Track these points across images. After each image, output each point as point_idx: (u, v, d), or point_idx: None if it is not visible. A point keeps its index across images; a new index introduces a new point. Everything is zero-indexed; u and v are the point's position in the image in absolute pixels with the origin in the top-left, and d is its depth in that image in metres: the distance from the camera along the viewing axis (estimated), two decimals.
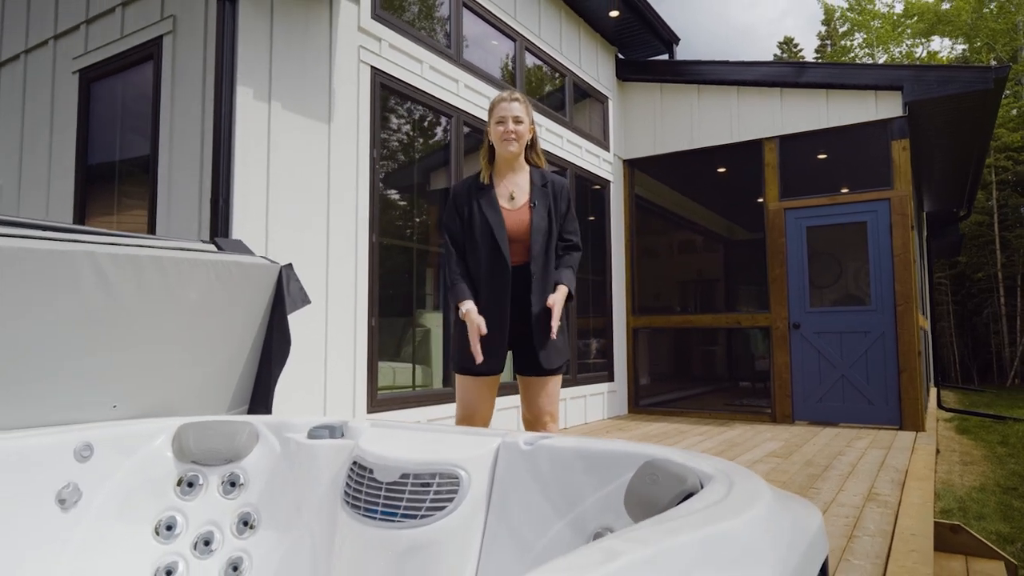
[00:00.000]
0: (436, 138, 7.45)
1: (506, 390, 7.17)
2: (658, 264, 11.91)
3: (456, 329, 3.93)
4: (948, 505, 6.52)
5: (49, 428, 2.65)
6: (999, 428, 12.48)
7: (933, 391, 14.93)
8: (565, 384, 8.91)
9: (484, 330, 3.71)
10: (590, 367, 10.02)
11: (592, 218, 10.39)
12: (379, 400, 6.12)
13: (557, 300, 3.85)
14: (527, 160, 4.05)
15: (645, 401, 11.09)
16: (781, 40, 49.91)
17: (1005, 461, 9.07)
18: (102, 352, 2.85)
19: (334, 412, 5.66)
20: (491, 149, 3.98)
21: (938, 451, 9.13)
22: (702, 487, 1.79)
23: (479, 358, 3.69)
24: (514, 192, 3.94)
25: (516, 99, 3.90)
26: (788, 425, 9.33)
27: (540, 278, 3.91)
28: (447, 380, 7.05)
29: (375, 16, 6.46)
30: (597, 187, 10.55)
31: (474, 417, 3.97)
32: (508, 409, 7.72)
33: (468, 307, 3.77)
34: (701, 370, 11.56)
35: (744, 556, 1.33)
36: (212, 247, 3.39)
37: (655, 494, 1.93)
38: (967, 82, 8.89)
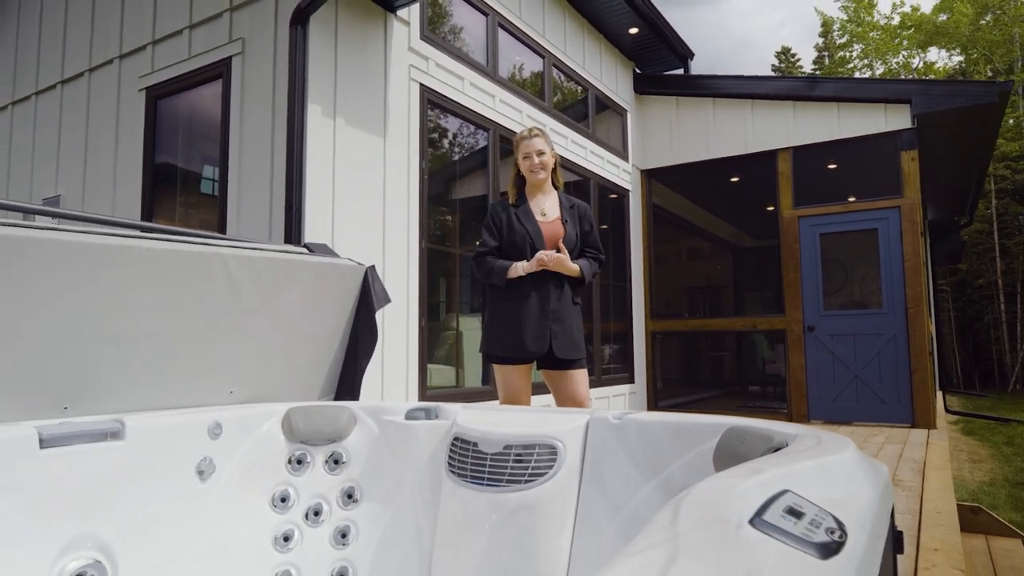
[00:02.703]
0: (475, 149, 7.82)
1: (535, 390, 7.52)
2: (675, 270, 12.23)
3: (492, 321, 4.40)
4: (962, 497, 6.82)
5: (187, 409, 3.00)
6: (1003, 430, 12.76)
7: (939, 394, 15.22)
8: (590, 384, 9.24)
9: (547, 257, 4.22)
10: (612, 369, 10.37)
11: (606, 226, 10.70)
12: (429, 396, 6.47)
13: (564, 255, 4.30)
14: (552, 183, 4.55)
15: (664, 402, 11.40)
16: (778, 50, 50.12)
17: (1012, 459, 9.37)
18: (223, 343, 3.20)
19: None
20: (519, 176, 4.50)
21: None
22: (787, 445, 2.12)
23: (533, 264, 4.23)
24: (545, 209, 4.46)
25: (536, 135, 4.43)
26: (804, 424, 9.62)
27: (567, 282, 4.38)
28: (486, 379, 7.39)
29: (423, 37, 6.86)
30: (616, 196, 10.89)
31: (518, 403, 4.37)
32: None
33: (519, 263, 4.29)
34: (715, 373, 11.87)
35: (848, 480, 1.68)
36: (304, 250, 3.73)
37: (744, 451, 2.23)
38: (973, 95, 9.24)
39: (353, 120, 5.89)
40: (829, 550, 1.13)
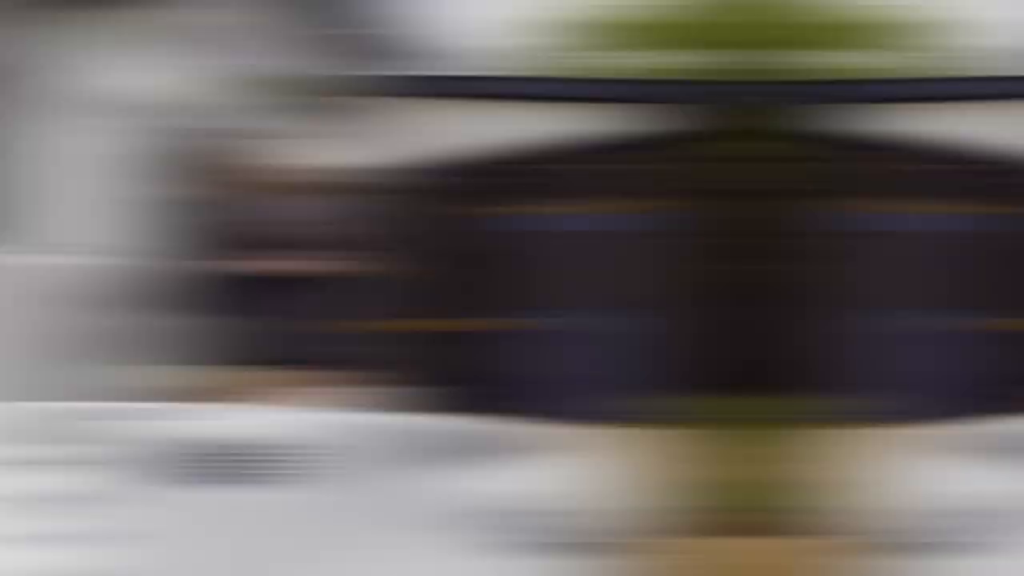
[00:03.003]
0: None
1: None
2: None
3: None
4: (666, 498, 7.07)
5: None
6: (719, 434, 13.23)
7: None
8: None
9: None
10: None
11: None
12: (157, 397, 6.20)
13: None
14: None
15: None
16: (504, 53, 49.89)
17: (716, 462, 9.78)
18: None
19: None
20: None
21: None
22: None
23: None
24: None
25: None
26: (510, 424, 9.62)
27: None
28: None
29: None
30: None
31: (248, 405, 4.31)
32: None
33: None
34: None
35: (545, 480, 1.76)
36: None
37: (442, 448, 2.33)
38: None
39: None
40: (528, 549, 1.23)
